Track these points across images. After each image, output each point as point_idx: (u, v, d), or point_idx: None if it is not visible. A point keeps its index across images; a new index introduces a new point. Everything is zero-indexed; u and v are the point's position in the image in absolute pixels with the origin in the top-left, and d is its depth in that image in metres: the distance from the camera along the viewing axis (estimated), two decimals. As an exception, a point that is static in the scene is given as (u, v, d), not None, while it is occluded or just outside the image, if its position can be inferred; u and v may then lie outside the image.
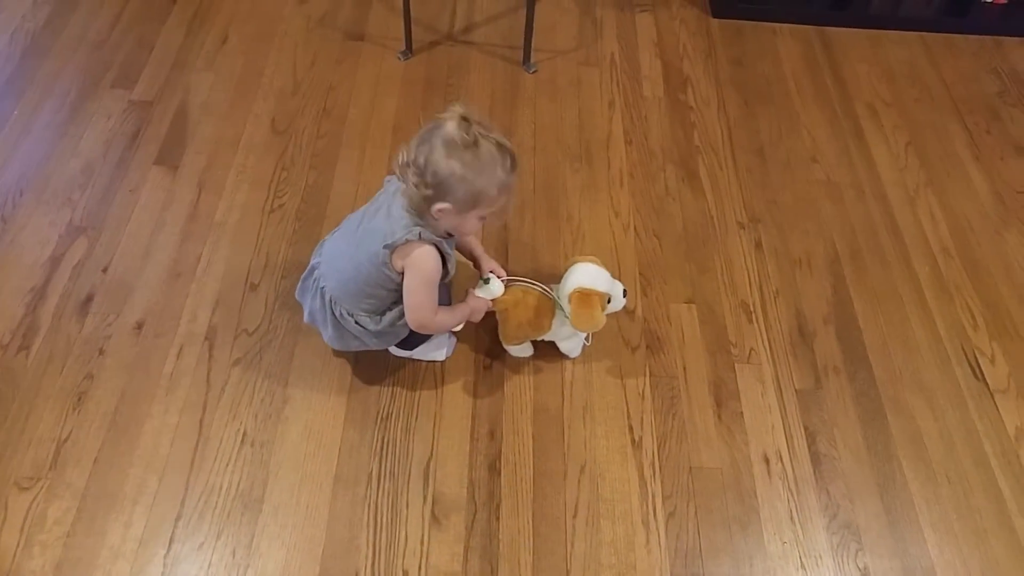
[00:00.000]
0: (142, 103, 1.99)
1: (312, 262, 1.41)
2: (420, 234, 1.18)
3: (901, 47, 2.31)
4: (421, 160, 1.12)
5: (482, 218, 1.24)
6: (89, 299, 1.60)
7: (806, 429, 1.46)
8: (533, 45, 2.15)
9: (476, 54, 2.20)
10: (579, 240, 1.76)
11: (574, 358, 1.52)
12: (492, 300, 1.40)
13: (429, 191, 1.14)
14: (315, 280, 1.38)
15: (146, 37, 2.15)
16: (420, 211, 1.18)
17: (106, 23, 2.18)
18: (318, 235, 1.73)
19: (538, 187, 1.88)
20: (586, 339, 1.51)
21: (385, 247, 1.20)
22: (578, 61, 2.20)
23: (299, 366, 1.52)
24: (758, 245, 1.78)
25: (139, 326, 1.56)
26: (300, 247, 1.72)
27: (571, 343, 1.50)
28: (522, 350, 1.52)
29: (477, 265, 1.46)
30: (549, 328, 1.44)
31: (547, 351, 1.54)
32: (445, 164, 1.11)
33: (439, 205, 1.15)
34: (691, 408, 1.48)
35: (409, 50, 2.17)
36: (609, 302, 1.38)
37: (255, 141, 1.93)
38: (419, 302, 1.28)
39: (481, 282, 1.39)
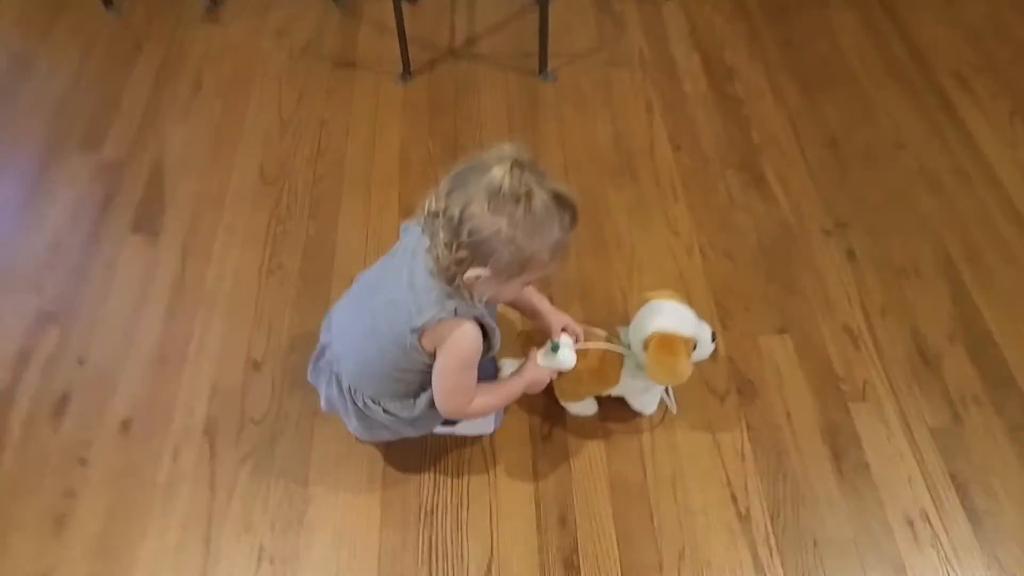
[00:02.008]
0: (112, 165, 1.91)
1: (322, 340, 1.28)
2: (456, 310, 1.03)
3: (979, 1, 2.17)
4: (455, 213, 0.96)
5: (526, 284, 1.10)
6: (65, 398, 1.48)
7: (953, 478, 1.29)
8: (548, 50, 2.04)
9: (484, 68, 2.11)
10: (635, 270, 1.62)
11: (650, 415, 1.37)
12: (563, 369, 1.24)
13: (464, 253, 0.98)
14: (328, 363, 1.25)
15: (111, 92, 2.08)
16: (449, 276, 1.02)
17: (65, 82, 2.12)
18: (326, 295, 1.61)
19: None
20: (665, 392, 1.35)
21: (413, 330, 1.05)
22: (603, 62, 2.10)
23: (320, 458, 1.38)
24: (851, 254, 1.62)
25: (125, 426, 1.44)
26: (307, 313, 1.59)
27: (646, 398, 1.34)
28: (584, 407, 1.37)
29: (541, 321, 1.30)
30: (617, 381, 1.29)
31: (616, 408, 1.40)
32: (489, 221, 0.95)
33: (475, 272, 0.99)
34: (804, 464, 1.32)
35: (408, 72, 2.08)
36: (694, 348, 1.23)
37: (243, 194, 1.83)
38: (452, 387, 1.12)
39: (549, 346, 1.24)
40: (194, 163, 1.90)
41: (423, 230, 1.06)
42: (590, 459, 1.35)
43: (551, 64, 2.07)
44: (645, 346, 1.21)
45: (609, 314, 1.56)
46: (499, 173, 0.95)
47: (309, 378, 1.31)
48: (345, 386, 1.22)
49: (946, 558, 1.20)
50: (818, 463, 1.32)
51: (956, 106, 1.91)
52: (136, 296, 1.64)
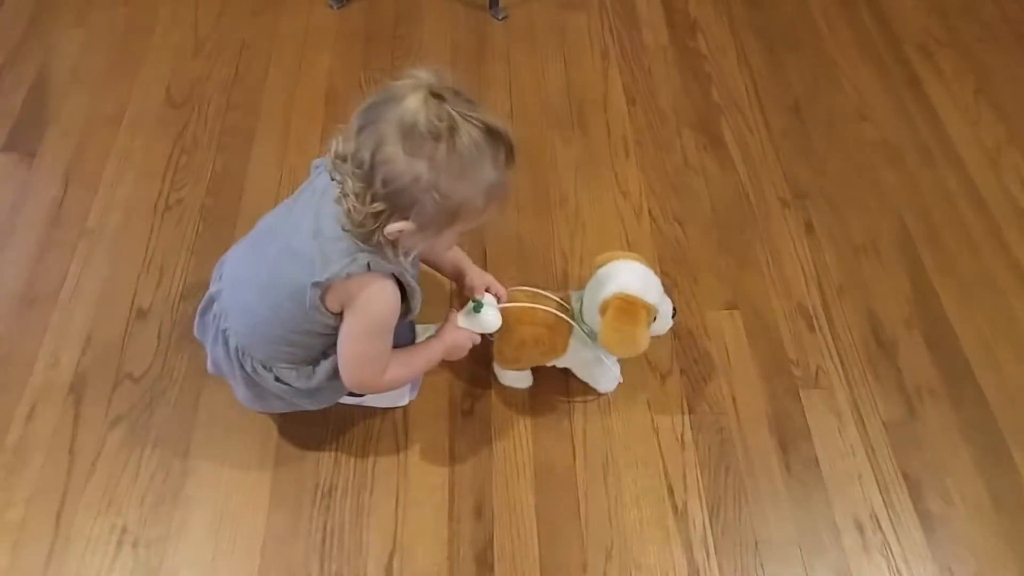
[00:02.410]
0: (-11, 70, 1.55)
1: (210, 290, 1.02)
2: (369, 264, 0.83)
3: (949, -24, 1.97)
4: (366, 156, 0.77)
5: (462, 233, 0.88)
6: (-98, 342, 1.17)
7: (906, 478, 1.12)
8: (501, -15, 1.76)
9: (429, -1, 1.81)
10: (578, 232, 1.39)
11: (601, 391, 1.17)
12: (486, 331, 1.04)
13: (380, 205, 0.78)
14: (215, 317, 0.99)
15: (-3, -14, 1.70)
16: (365, 233, 0.81)
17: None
18: (229, 238, 1.34)
19: (520, 164, 1.47)
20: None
21: (315, 285, 0.84)
22: (559, 4, 1.83)
23: (204, 424, 1.13)
24: (809, 227, 1.43)
25: (-26, 381, 1.14)
26: (206, 256, 1.32)
27: (599, 371, 1.13)
28: (519, 379, 1.16)
29: (459, 280, 1.08)
30: (565, 349, 1.07)
31: (548, 383, 1.18)
32: (406, 165, 0.76)
33: (396, 226, 0.80)
34: (749, 456, 1.13)
35: (344, -5, 1.76)
36: (654, 319, 1.01)
37: (144, 117, 1.52)
38: (362, 355, 0.92)
39: (470, 306, 1.02)
40: (87, 77, 1.57)
41: (331, 176, 0.83)
42: (515, 440, 1.13)
43: (503, 1, 1.78)
44: (602, 309, 0.99)
45: (547, 277, 1.33)
46: (413, 105, 0.76)
47: (195, 332, 1.06)
48: (232, 347, 0.97)
49: (896, 567, 1.04)
50: (764, 455, 1.13)
51: (921, 80, 1.72)
52: (5, 225, 1.33)
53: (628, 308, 0.98)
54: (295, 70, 1.64)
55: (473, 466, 1.11)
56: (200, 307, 1.03)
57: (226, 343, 0.98)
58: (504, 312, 1.04)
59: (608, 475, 1.11)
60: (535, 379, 1.18)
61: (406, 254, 0.85)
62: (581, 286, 1.23)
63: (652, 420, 1.17)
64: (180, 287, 1.28)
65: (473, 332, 1.02)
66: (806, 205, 1.47)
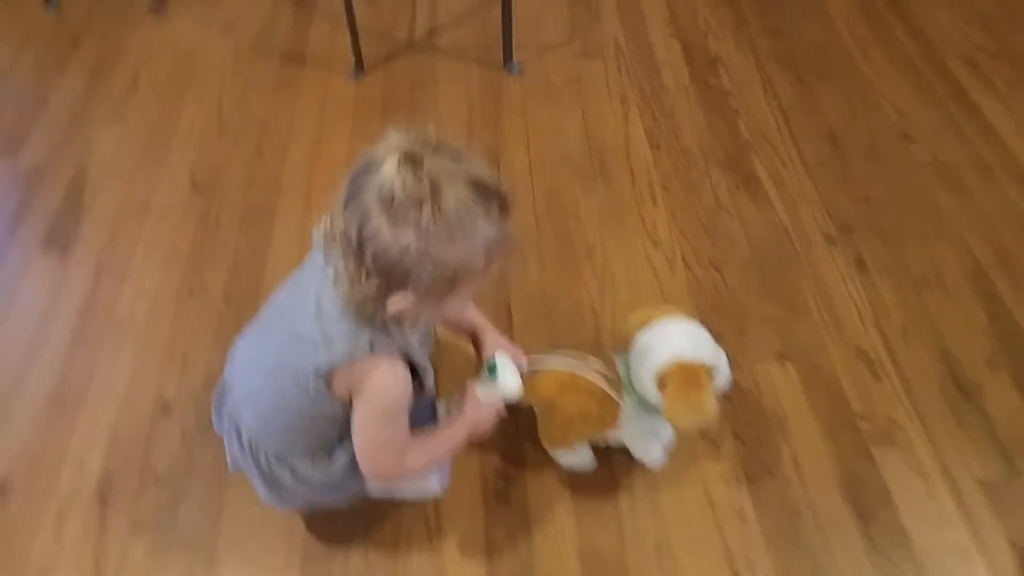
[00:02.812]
0: (30, 171, 1.52)
1: (224, 378, 0.93)
2: (372, 344, 0.74)
3: (983, -15, 1.79)
4: (353, 233, 0.68)
5: (470, 296, 0.78)
6: (-63, 456, 1.10)
7: (1013, 547, 0.91)
8: (515, 41, 1.67)
9: (445, 61, 1.72)
10: (608, 285, 1.24)
11: (652, 465, 1.01)
12: (508, 399, 0.90)
13: (374, 282, 0.70)
14: (228, 410, 0.89)
15: (39, 93, 1.70)
16: (367, 313, 0.73)
17: (-7, 82, 1.73)
18: (252, 320, 1.23)
19: (541, 217, 1.37)
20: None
21: (316, 371, 0.75)
22: (574, 54, 1.71)
23: (230, 526, 1.02)
24: (860, 263, 1.24)
25: (3, 490, 1.07)
26: (228, 342, 1.20)
27: (650, 444, 0.98)
28: (577, 459, 1.01)
29: (476, 344, 0.96)
30: (615, 423, 0.93)
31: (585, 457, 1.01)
32: (392, 237, 0.67)
33: (394, 299, 0.71)
34: (822, 528, 0.94)
35: (360, 67, 1.70)
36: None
37: (170, 202, 1.45)
38: (376, 443, 0.82)
39: (485, 373, 0.89)
40: (120, 169, 1.53)
41: (324, 257, 0.74)
42: (556, 525, 0.97)
43: (517, 56, 1.68)
44: (660, 382, 0.84)
45: (578, 336, 1.18)
46: (389, 172, 0.67)
47: (214, 424, 0.95)
48: (245, 440, 0.87)
49: (1015, 665, 0.82)
50: (840, 526, 0.95)
51: (969, 92, 1.54)
52: (37, 324, 1.27)
53: (689, 376, 0.84)
54: (314, 144, 1.56)
55: (513, 557, 0.96)
56: (215, 398, 0.93)
57: (239, 437, 0.88)
58: (544, 387, 0.91)
59: (663, 559, 0.94)
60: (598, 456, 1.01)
61: (412, 327, 0.77)
62: (616, 344, 1.08)
63: (706, 492, 1.00)
64: (203, 375, 1.18)
65: (496, 403, 0.89)
66: (853, 239, 1.29)
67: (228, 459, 0.95)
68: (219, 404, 0.93)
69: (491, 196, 0.70)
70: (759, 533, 0.95)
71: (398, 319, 0.75)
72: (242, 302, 1.29)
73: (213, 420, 0.95)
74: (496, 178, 0.71)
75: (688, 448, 1.03)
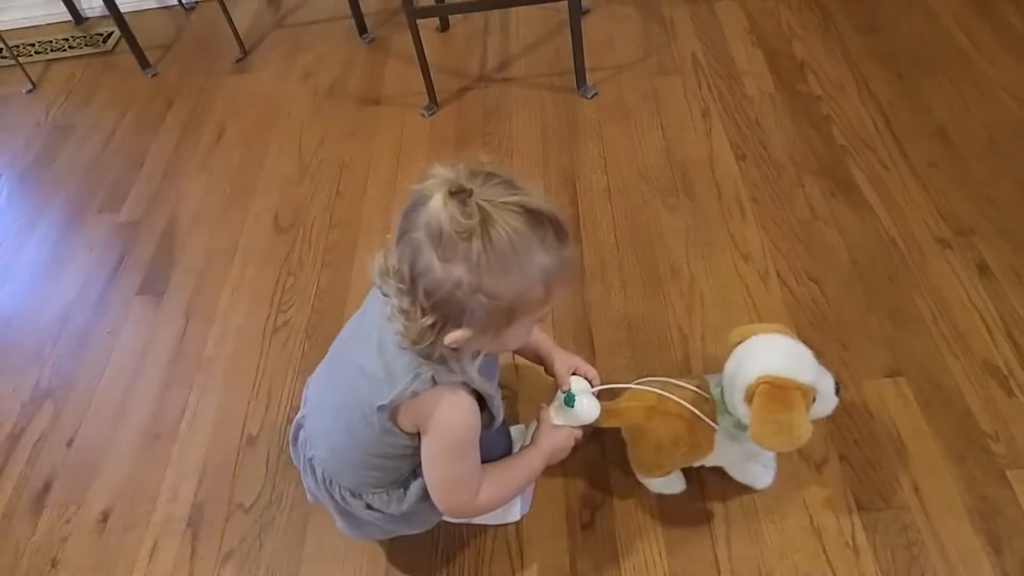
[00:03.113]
0: (128, 224, 1.73)
1: (299, 414, 0.99)
2: (434, 379, 0.77)
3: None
4: (405, 269, 0.72)
5: (532, 324, 0.80)
6: (47, 487, 1.26)
7: None
8: (588, 64, 1.75)
9: (517, 90, 1.82)
10: (696, 305, 1.26)
11: (759, 488, 1.01)
12: (586, 424, 0.93)
13: (428, 318, 0.73)
14: (302, 445, 0.96)
15: (137, 152, 1.93)
16: (423, 345, 0.75)
17: (96, 146, 1.99)
18: (333, 355, 1.33)
19: (623, 239, 1.40)
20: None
21: (380, 408, 0.79)
22: (650, 72, 1.77)
23: (313, 554, 1.09)
24: (983, 268, 1.20)
25: (104, 517, 1.20)
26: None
27: (754, 467, 0.98)
28: (667, 484, 1.02)
29: (548, 369, 0.98)
30: (711, 447, 0.93)
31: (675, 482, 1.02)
32: (443, 273, 0.70)
33: (453, 336, 0.74)
34: (950, 562, 0.90)
35: (434, 103, 1.82)
36: (813, 401, 0.86)
37: (254, 245, 1.60)
38: (448, 478, 0.84)
39: (560, 399, 0.92)
40: (208, 216, 1.70)
41: (382, 292, 0.78)
42: (645, 555, 0.98)
43: (591, 79, 1.76)
44: (748, 398, 0.84)
45: (665, 361, 1.20)
46: (436, 207, 0.69)
47: (293, 460, 1.02)
48: (319, 475, 0.93)
49: None
50: (971, 560, 0.90)
51: (1099, 76, 1.45)
52: (134, 365, 1.42)
53: (779, 394, 0.83)
54: (391, 180, 1.68)
55: (599, 589, 0.96)
56: (291, 434, 1.00)
57: (314, 472, 0.94)
58: (631, 411, 0.93)
59: (765, 595, 0.92)
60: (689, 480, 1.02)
61: (473, 360, 0.78)
62: (708, 367, 1.09)
63: (811, 520, 0.98)
64: (287, 410, 1.28)
65: (572, 428, 0.91)
66: (973, 242, 1.25)
67: (307, 493, 1.01)
68: (294, 441, 0.99)
69: (545, 223, 0.71)
70: (874, 566, 0.92)
71: (456, 353, 0.77)
72: (323, 338, 1.39)
73: (291, 454, 1.02)
74: (550, 205, 0.72)
75: (788, 472, 1.01)
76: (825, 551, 0.94)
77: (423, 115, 1.82)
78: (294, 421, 0.99)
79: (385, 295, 0.77)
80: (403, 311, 0.73)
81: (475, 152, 1.71)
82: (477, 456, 0.84)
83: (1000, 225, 1.25)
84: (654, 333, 1.24)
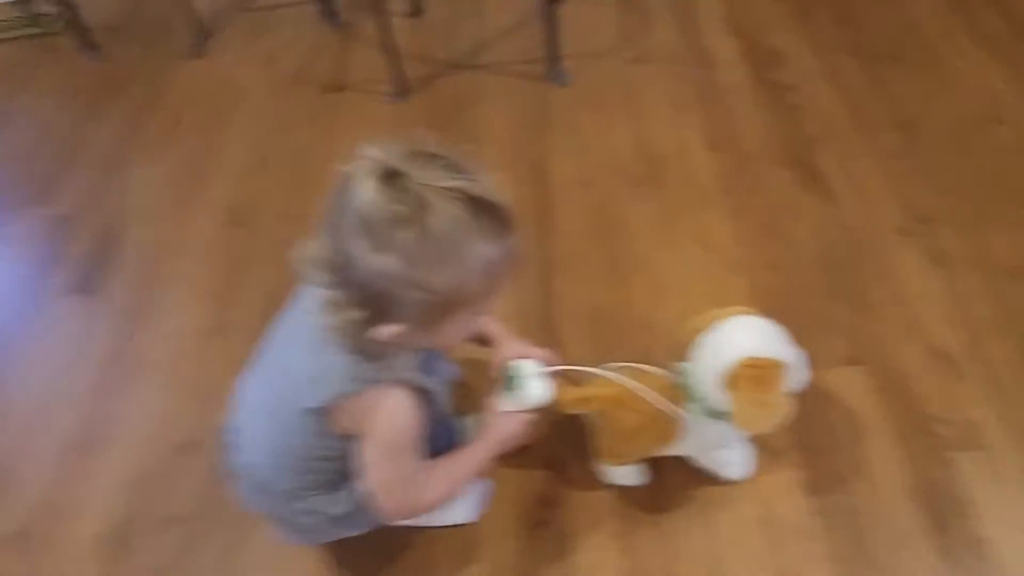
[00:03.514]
0: (63, 218, 1.74)
1: (229, 419, 1.00)
2: (368, 377, 0.79)
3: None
4: (333, 260, 0.73)
5: (473, 319, 0.82)
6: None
7: (1117, 559, 0.93)
8: (563, 52, 1.83)
9: (489, 77, 1.91)
10: (660, 296, 1.35)
11: (733, 477, 1.08)
12: (537, 408, 0.97)
13: (359, 312, 0.74)
14: (235, 450, 1.00)
15: (80, 140, 1.97)
16: (354, 339, 0.76)
17: (35, 133, 2.01)
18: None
19: (591, 230, 1.49)
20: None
21: (312, 412, 0.81)
22: (625, 60, 1.87)
23: (253, 565, 1.12)
24: (939, 258, 1.30)
25: (22, 536, 1.20)
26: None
27: (719, 455, 1.06)
28: (629, 475, 1.09)
29: (493, 352, 1.04)
30: (679, 436, 1.00)
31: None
32: (374, 263, 0.70)
33: (385, 331, 0.75)
34: (894, 542, 1.00)
35: (402, 90, 1.90)
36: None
37: (205, 240, 1.65)
38: (388, 481, 0.86)
39: (506, 382, 0.97)
40: (155, 210, 1.75)
41: (311, 283, 0.81)
42: (600, 553, 1.06)
43: (565, 67, 1.85)
44: (730, 384, 0.91)
45: (629, 352, 1.26)
46: (365, 192, 0.69)
47: (230, 467, 1.04)
48: (254, 481, 0.97)
49: None
50: (913, 539, 1.00)
51: (1069, 70, 1.57)
52: (62, 370, 1.43)
53: (762, 375, 0.88)
54: (352, 171, 1.74)
55: (554, 585, 1.04)
56: (223, 440, 1.00)
57: (248, 477, 0.96)
58: (598, 399, 0.98)
59: (719, 581, 1.01)
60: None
61: (408, 357, 0.79)
62: (671, 355, 1.17)
63: (768, 509, 1.07)
64: (228, 416, 1.33)
65: (524, 413, 0.95)
66: (934, 231, 1.35)
67: (243, 500, 1.04)
68: (227, 445, 0.99)
69: (488, 210, 0.70)
70: (825, 551, 1.01)
71: (391, 349, 0.77)
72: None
73: (225, 461, 1.01)
74: (495, 192, 0.71)
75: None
76: (779, 538, 1.03)
77: (390, 102, 1.89)
78: (226, 426, 1.01)
79: (312, 287, 0.79)
80: (332, 304, 0.74)
81: (446, 140, 1.79)
82: (418, 456, 0.86)
83: (957, 214, 1.36)
84: (618, 324, 1.32)
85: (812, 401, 1.15)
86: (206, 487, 1.21)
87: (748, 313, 0.96)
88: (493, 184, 0.72)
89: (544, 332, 1.31)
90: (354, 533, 0.99)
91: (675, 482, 1.10)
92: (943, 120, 1.53)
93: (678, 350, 0.98)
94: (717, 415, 0.95)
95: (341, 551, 1.10)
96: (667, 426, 0.98)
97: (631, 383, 0.98)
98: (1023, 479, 1.03)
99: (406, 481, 0.87)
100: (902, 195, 1.41)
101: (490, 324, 1.02)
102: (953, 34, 1.72)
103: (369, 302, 0.73)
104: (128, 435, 1.30)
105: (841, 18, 1.84)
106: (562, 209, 1.53)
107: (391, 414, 0.81)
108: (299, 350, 0.83)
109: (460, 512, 1.09)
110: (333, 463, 0.89)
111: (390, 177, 0.69)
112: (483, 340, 1.03)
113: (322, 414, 0.81)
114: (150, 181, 1.81)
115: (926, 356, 1.17)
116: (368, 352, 0.77)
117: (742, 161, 1.56)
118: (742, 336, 0.92)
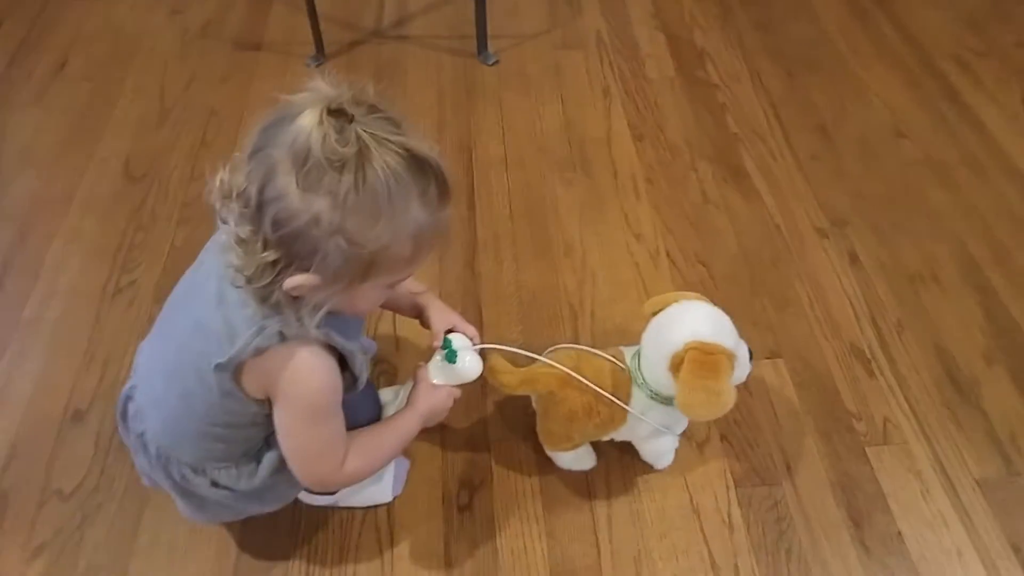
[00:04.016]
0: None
1: (128, 384, 0.89)
2: (282, 333, 0.69)
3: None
4: (252, 191, 0.64)
5: (391, 286, 0.75)
6: None
7: (1017, 552, 0.95)
8: (490, 31, 1.74)
9: (414, 49, 1.79)
10: (588, 281, 1.29)
11: (664, 468, 1.04)
12: (466, 382, 0.90)
13: (271, 253, 0.66)
14: (132, 419, 0.87)
15: (-50, 73, 1.70)
16: (260, 290, 0.68)
17: None
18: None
19: (517, 211, 1.41)
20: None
21: (218, 367, 0.71)
22: (553, 44, 1.80)
23: (147, 546, 1.00)
24: (853, 258, 1.31)
25: None
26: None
27: (658, 445, 1.01)
28: (577, 460, 1.03)
29: (424, 323, 0.95)
30: (624, 420, 0.94)
31: (555, 466, 1.04)
32: (300, 203, 0.63)
33: (294, 280, 0.67)
34: (814, 535, 0.98)
35: (321, 54, 1.75)
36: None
37: (98, 194, 1.47)
38: (305, 447, 0.78)
39: (443, 355, 0.89)
40: (38, 157, 1.54)
41: (219, 218, 0.70)
42: (524, 537, 0.99)
43: (493, 45, 1.76)
44: (674, 366, 0.86)
45: (554, 335, 1.22)
46: (306, 126, 0.62)
47: (122, 437, 0.92)
48: (152, 451, 0.85)
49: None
50: (833, 532, 0.98)
51: (960, 92, 1.64)
52: (-72, 325, 1.24)
53: (707, 360, 0.84)
54: (265, 133, 1.59)
55: (475, 573, 0.96)
56: (118, 410, 0.88)
57: (146, 449, 0.84)
58: (545, 381, 0.92)
59: (642, 572, 0.96)
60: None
61: (312, 314, 0.70)
62: (597, 342, 1.11)
63: (691, 499, 1.02)
64: (125, 381, 1.17)
65: (452, 387, 0.89)
66: (847, 233, 1.36)
67: (140, 474, 0.92)
68: (123, 415, 0.88)
69: (429, 174, 0.66)
70: (746, 541, 0.98)
71: (298, 305, 0.70)
72: (177, 299, 1.29)
73: (120, 431, 0.91)
74: (438, 156, 0.66)
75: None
76: (702, 529, 0.99)
77: (308, 65, 1.75)
78: (122, 392, 0.89)
79: (223, 221, 0.69)
80: (241, 240, 0.66)
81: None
82: (340, 420, 0.78)
83: (869, 219, 1.37)
84: (545, 307, 1.25)
85: (738, 393, 1.11)
86: (98, 460, 1.08)
87: (701, 299, 0.92)
88: (436, 150, 0.67)
89: (469, 313, 1.23)
90: (263, 511, 0.89)
91: (602, 469, 1.04)
92: (853, 130, 1.55)
93: (604, 338, 0.93)
94: (662, 400, 0.91)
95: (249, 534, 1.00)
96: (614, 409, 0.92)
97: (566, 370, 0.92)
98: (934, 474, 1.02)
99: (326, 448, 0.79)
100: (819, 196, 1.42)
101: (416, 287, 0.95)
102: (858, 48, 1.76)
103: (284, 243, 0.65)
104: (7, 400, 1.15)
105: (759, 24, 1.84)
106: (488, 188, 1.45)
107: (307, 374, 0.73)
108: (205, 304, 0.74)
109: (378, 492, 1.00)
110: (242, 431, 0.80)
111: (336, 115, 0.62)
112: (415, 310, 0.95)
113: (230, 371, 0.72)
114: (32, 126, 1.61)
115: (842, 353, 1.17)
116: (276, 304, 0.69)
117: (668, 153, 1.52)
118: (691, 320, 0.88)
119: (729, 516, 1.01)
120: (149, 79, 1.73)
